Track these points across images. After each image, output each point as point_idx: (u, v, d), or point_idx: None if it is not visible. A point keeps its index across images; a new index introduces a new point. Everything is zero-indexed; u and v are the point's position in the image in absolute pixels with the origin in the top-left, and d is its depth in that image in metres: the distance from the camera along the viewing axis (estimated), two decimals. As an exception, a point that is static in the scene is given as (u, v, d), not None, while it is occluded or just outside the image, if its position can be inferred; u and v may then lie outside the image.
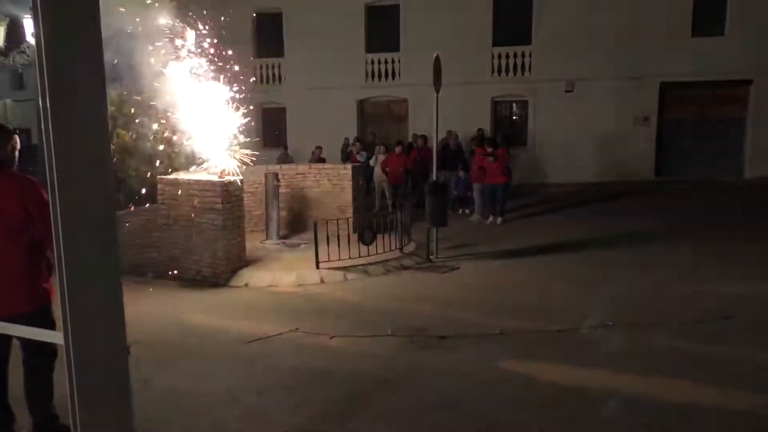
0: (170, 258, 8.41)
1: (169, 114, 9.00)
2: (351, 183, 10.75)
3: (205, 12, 8.59)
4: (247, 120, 8.97)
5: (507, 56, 17.66)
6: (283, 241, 9.86)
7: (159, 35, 8.21)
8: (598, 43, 16.49)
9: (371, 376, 4.68)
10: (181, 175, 8.72)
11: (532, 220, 12.08)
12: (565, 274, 7.86)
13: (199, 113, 8.54)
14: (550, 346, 5.21)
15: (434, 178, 9.31)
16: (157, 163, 9.67)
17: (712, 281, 7.05)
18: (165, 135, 9.80)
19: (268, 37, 19.05)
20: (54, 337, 1.56)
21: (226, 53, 8.92)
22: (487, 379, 4.56)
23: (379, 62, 18.54)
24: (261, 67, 19.22)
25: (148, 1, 7.95)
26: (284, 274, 8.00)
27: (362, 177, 11.64)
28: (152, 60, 8.09)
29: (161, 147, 9.84)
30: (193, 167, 9.21)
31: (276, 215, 9.84)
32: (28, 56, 10.85)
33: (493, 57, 17.71)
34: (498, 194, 11.62)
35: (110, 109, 9.53)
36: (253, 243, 9.25)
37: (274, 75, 19.39)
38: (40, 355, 3.36)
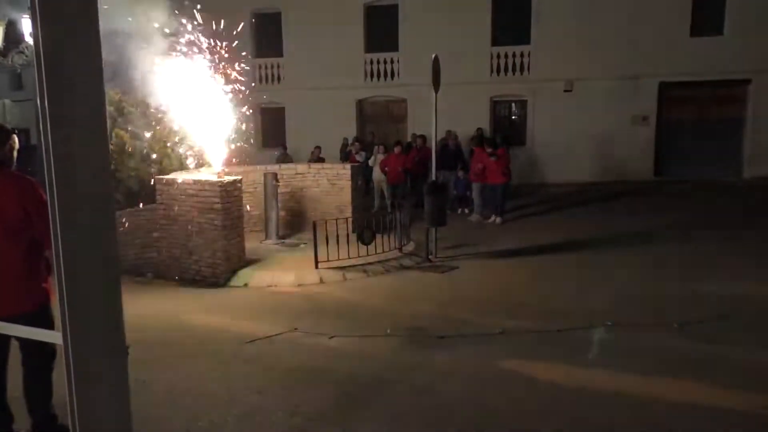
0: (170, 258, 8.42)
1: (167, 114, 9.01)
2: (350, 183, 10.76)
3: (201, 11, 8.57)
4: (245, 120, 8.97)
5: (506, 56, 17.65)
6: (283, 241, 9.86)
7: (157, 34, 8.20)
8: (597, 42, 16.50)
9: (370, 376, 4.68)
10: (180, 175, 8.72)
11: (531, 220, 12.08)
12: (565, 273, 7.86)
13: (197, 113, 8.55)
14: (550, 345, 5.21)
15: (433, 177, 9.31)
16: (158, 163, 9.68)
17: (712, 281, 7.05)
18: (163, 135, 9.81)
19: (267, 36, 19.04)
20: (53, 337, 1.56)
21: (225, 53, 8.92)
22: (486, 379, 4.56)
23: (378, 62, 18.54)
24: (260, 67, 19.21)
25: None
26: (283, 274, 8.00)
27: (361, 177, 11.64)
28: (150, 59, 8.08)
29: (159, 147, 9.85)
30: (192, 166, 9.22)
31: (275, 215, 9.84)
32: (26, 56, 10.84)
33: (492, 57, 17.71)
34: (497, 194, 11.63)
35: (109, 109, 9.53)
36: (252, 243, 9.25)
37: (273, 75, 19.38)
38: (39, 355, 3.35)
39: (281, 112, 19.45)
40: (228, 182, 8.09)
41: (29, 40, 10.51)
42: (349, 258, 8.19)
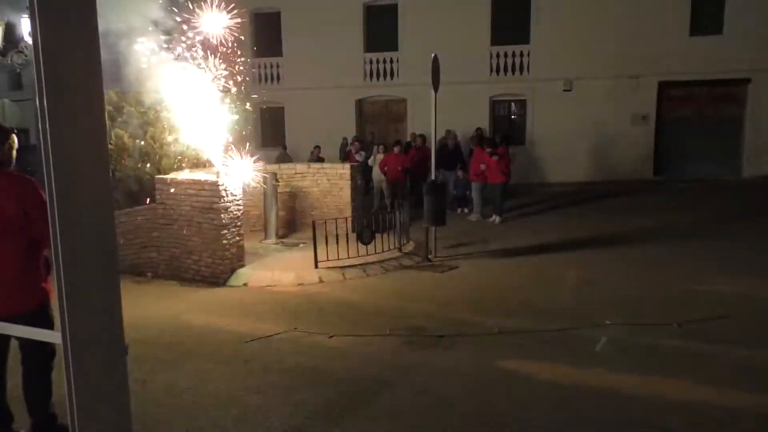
0: (169, 257, 8.42)
1: (166, 113, 9.01)
2: (350, 182, 10.76)
3: (201, 11, 8.56)
4: (247, 119, 8.98)
5: (505, 55, 17.66)
6: (282, 240, 9.86)
7: (156, 33, 8.20)
8: (597, 42, 16.51)
9: (370, 376, 4.68)
10: (180, 175, 8.72)
11: (530, 219, 12.09)
12: (564, 273, 7.86)
13: (196, 112, 8.54)
14: (549, 345, 5.21)
15: (433, 177, 9.31)
16: (157, 162, 9.67)
17: (712, 280, 7.06)
18: (162, 135, 9.80)
19: (266, 36, 19.04)
20: (52, 336, 1.56)
21: (225, 53, 8.91)
22: (486, 379, 4.56)
23: (378, 62, 18.54)
24: (259, 67, 19.21)
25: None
26: (283, 274, 8.00)
27: (361, 176, 11.64)
28: (149, 59, 8.08)
29: (158, 146, 9.84)
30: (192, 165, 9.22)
31: (275, 215, 9.84)
32: (26, 56, 10.83)
33: (491, 56, 17.71)
34: (497, 194, 11.63)
35: (108, 109, 9.53)
36: (251, 242, 9.26)
37: (272, 74, 19.38)
38: (39, 355, 3.36)
39: (281, 111, 19.45)
40: (227, 182, 8.08)
41: (28, 39, 10.50)
42: (349, 257, 8.19)
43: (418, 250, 9.11)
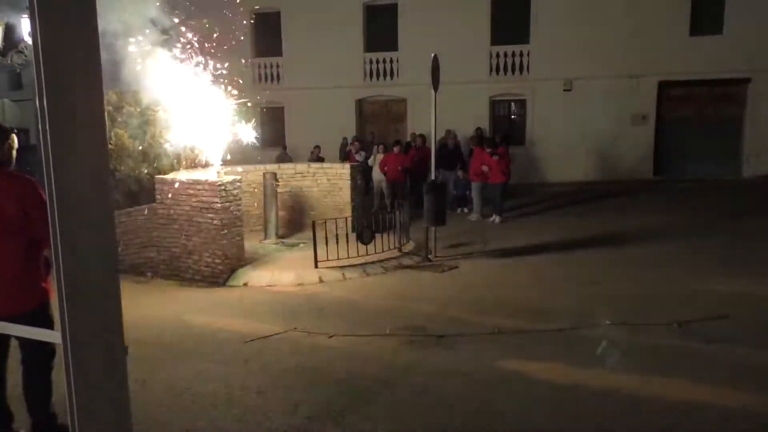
0: (169, 257, 8.42)
1: (166, 113, 9.00)
2: (349, 182, 10.76)
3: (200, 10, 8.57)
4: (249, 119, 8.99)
5: (505, 55, 17.66)
6: (282, 240, 9.86)
7: (155, 33, 8.20)
8: (597, 42, 16.51)
9: (370, 376, 4.68)
10: (180, 175, 8.72)
11: (530, 219, 12.09)
12: (564, 273, 7.86)
13: (196, 112, 8.55)
14: (549, 345, 5.21)
15: (433, 177, 9.32)
16: (157, 162, 9.67)
17: (711, 280, 7.05)
18: (162, 135, 9.80)
19: (266, 36, 19.04)
20: (52, 336, 1.56)
21: (225, 52, 8.92)
22: (485, 379, 4.57)
23: (378, 61, 18.54)
24: (259, 67, 19.21)
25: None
26: (283, 274, 8.00)
27: (361, 176, 11.64)
28: (149, 59, 8.08)
29: (157, 146, 9.84)
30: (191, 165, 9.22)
31: (274, 215, 9.84)
32: (26, 56, 10.83)
33: (491, 56, 17.72)
34: (497, 193, 11.64)
35: (108, 109, 9.53)
36: (251, 242, 9.26)
37: (272, 74, 19.38)
38: (39, 355, 3.36)
39: (280, 111, 19.45)
40: (227, 182, 8.09)
41: (28, 39, 10.51)
42: (349, 257, 8.19)
43: (418, 250, 9.11)
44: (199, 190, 8.04)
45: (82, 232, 1.27)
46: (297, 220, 10.80)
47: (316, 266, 8.03)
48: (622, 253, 8.75)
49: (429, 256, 8.74)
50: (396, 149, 13.06)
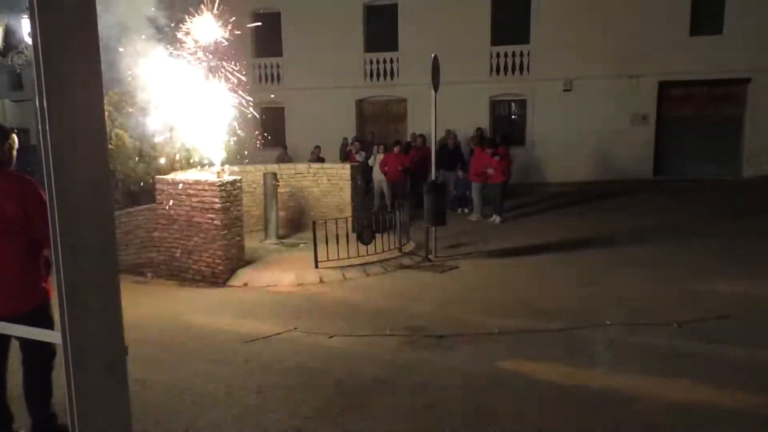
0: (169, 258, 8.42)
1: (167, 113, 9.00)
2: (350, 183, 10.76)
3: (202, 11, 8.57)
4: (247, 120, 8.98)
5: (505, 55, 17.66)
6: (282, 240, 9.86)
7: (155, 33, 8.21)
8: (597, 42, 16.51)
9: (370, 376, 4.68)
10: (180, 175, 8.72)
11: (530, 219, 12.09)
12: (564, 273, 7.86)
13: (196, 112, 8.55)
14: (549, 345, 5.21)
15: (433, 177, 9.32)
16: (157, 162, 9.67)
17: (711, 280, 7.05)
18: (162, 135, 9.80)
19: (266, 36, 19.04)
20: (52, 336, 1.56)
21: (225, 52, 8.92)
22: (486, 379, 4.57)
23: (378, 62, 18.54)
24: (260, 67, 19.21)
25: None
26: (283, 274, 8.00)
27: (361, 176, 11.65)
28: (149, 59, 8.09)
29: (158, 146, 9.85)
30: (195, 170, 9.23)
31: (275, 215, 9.84)
32: (26, 56, 10.84)
33: (491, 56, 17.71)
34: (497, 193, 11.64)
35: (108, 109, 9.53)
36: (252, 243, 9.26)
37: (272, 74, 19.39)
38: (39, 355, 3.36)
39: (281, 111, 19.46)
40: (227, 182, 8.09)
41: (28, 39, 10.52)
42: (349, 258, 8.19)
43: (418, 250, 9.11)
44: (199, 190, 8.04)
45: (82, 233, 1.27)
46: (297, 221, 10.80)
47: (317, 266, 8.03)
48: (622, 253, 8.75)
49: (429, 257, 8.74)
50: (396, 149, 13.06)
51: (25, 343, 3.30)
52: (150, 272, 8.55)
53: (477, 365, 4.81)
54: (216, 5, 8.50)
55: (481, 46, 17.58)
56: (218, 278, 7.93)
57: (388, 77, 18.54)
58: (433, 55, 8.98)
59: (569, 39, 16.60)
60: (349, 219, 9.32)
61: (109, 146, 8.61)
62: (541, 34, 17.20)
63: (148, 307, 6.72)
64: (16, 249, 3.20)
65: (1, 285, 3.17)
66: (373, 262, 8.37)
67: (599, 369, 4.65)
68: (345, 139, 16.24)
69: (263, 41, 19.09)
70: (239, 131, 9.18)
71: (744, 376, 4.42)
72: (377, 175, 13.17)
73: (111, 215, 1.38)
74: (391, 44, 18.37)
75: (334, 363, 4.95)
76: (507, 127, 18.03)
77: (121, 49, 7.68)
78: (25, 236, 3.21)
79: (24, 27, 10.89)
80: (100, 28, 1.26)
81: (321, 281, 7.79)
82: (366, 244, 8.55)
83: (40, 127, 1.21)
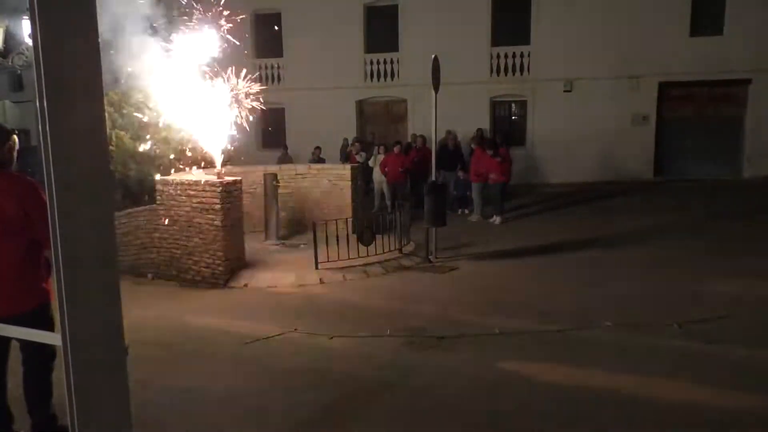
0: (169, 258, 8.42)
1: (167, 114, 9.01)
2: (350, 183, 10.76)
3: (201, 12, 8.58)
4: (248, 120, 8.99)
5: (506, 56, 17.66)
6: (283, 241, 9.86)
7: (156, 34, 8.22)
8: (597, 42, 16.51)
9: (370, 377, 4.68)
10: (180, 176, 8.72)
11: (530, 220, 12.09)
12: (564, 273, 7.86)
13: (197, 113, 8.55)
14: (550, 346, 5.21)
15: (433, 178, 9.31)
16: (157, 163, 9.68)
17: (711, 280, 7.05)
18: (163, 136, 9.82)
19: (267, 37, 19.05)
20: (52, 337, 1.56)
21: (225, 53, 8.93)
22: (486, 380, 4.56)
23: (378, 62, 18.55)
24: (260, 67, 19.20)
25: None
26: (283, 275, 8.00)
27: (361, 177, 11.64)
28: (150, 59, 8.09)
29: (158, 147, 9.85)
30: (195, 169, 9.23)
31: (275, 216, 9.84)
32: (26, 57, 10.85)
33: (491, 57, 17.71)
34: (496, 193, 11.64)
35: (108, 110, 9.54)
36: (252, 244, 9.25)
37: (273, 75, 19.39)
38: (39, 356, 3.36)
39: (281, 112, 19.46)
40: (228, 183, 8.09)
41: (29, 41, 10.52)
42: (349, 258, 8.19)
43: (418, 251, 9.10)
44: (199, 191, 8.04)
45: (83, 233, 1.27)
46: (297, 221, 10.79)
47: (317, 267, 8.03)
48: (623, 254, 8.74)
49: (429, 257, 8.74)
50: (396, 149, 13.06)
51: (25, 344, 3.30)
52: (150, 273, 8.54)
53: (478, 366, 4.81)
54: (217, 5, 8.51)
55: (481, 47, 17.58)
56: (218, 279, 7.93)
57: (389, 78, 18.54)
58: (433, 55, 8.98)
59: (569, 39, 16.60)
60: (350, 220, 9.31)
61: (109, 147, 8.62)
62: (542, 35, 17.20)
63: (148, 308, 6.71)
64: (17, 250, 3.20)
65: (1, 285, 3.17)
66: (373, 263, 8.37)
67: (600, 369, 4.65)
68: (345, 139, 16.25)
69: (264, 42, 19.10)
70: (238, 135, 9.18)
71: (744, 377, 4.42)
72: (377, 176, 13.17)
73: (111, 216, 1.38)
74: (392, 45, 18.37)
75: (334, 364, 4.95)
76: (507, 127, 18.03)
77: (121, 50, 7.68)
78: (26, 237, 3.21)
79: (25, 28, 10.89)
80: (100, 29, 1.26)
81: (321, 282, 7.79)
82: (366, 245, 8.55)
83: (40, 128, 1.22)
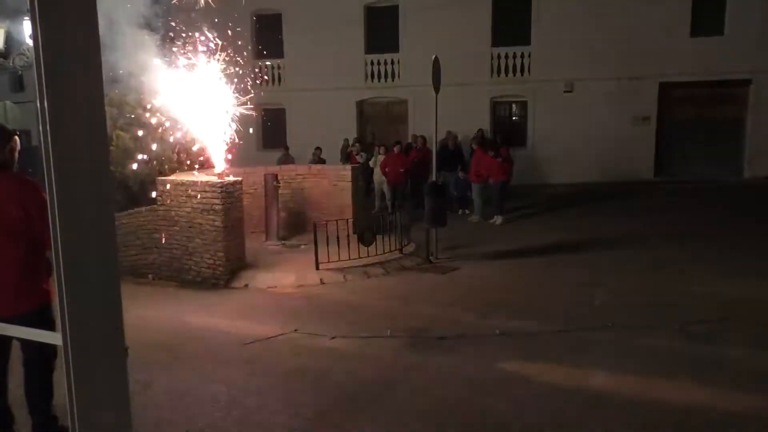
0: (170, 259, 8.42)
1: (168, 114, 9.02)
2: (350, 184, 10.76)
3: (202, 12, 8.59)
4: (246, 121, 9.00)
5: (506, 57, 17.66)
6: (283, 242, 9.86)
7: (157, 35, 8.23)
8: (597, 43, 16.50)
9: (371, 378, 4.68)
10: (181, 176, 8.72)
11: (531, 220, 12.08)
12: (565, 274, 7.86)
13: (198, 113, 8.56)
14: (550, 346, 5.21)
15: (433, 178, 9.31)
16: (158, 163, 9.68)
17: (712, 282, 7.05)
18: (163, 136, 9.82)
19: (267, 38, 19.05)
20: (52, 338, 1.56)
21: (226, 54, 8.93)
22: (486, 380, 4.56)
23: (379, 63, 18.55)
24: (260, 68, 19.21)
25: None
26: (284, 275, 8.00)
27: (362, 178, 11.64)
28: (151, 60, 8.10)
29: (159, 148, 9.86)
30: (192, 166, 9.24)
31: (275, 216, 9.84)
32: (27, 58, 10.86)
33: (492, 58, 17.71)
34: (497, 192, 11.65)
35: (110, 110, 9.54)
36: (252, 244, 9.25)
37: (273, 76, 19.40)
38: (40, 356, 3.36)
39: (282, 113, 19.46)
40: (228, 183, 8.09)
41: (29, 41, 10.53)
42: (350, 259, 8.19)
43: (418, 252, 9.10)
44: (200, 191, 8.04)
45: (83, 234, 1.27)
46: (298, 222, 10.79)
47: (317, 268, 8.03)
48: (623, 255, 8.74)
49: (430, 258, 8.74)
50: (396, 149, 13.06)
51: (26, 344, 3.30)
52: (151, 273, 8.55)
53: (478, 367, 4.81)
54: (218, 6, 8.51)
55: (481, 48, 17.57)
56: (219, 279, 7.93)
57: (389, 78, 18.54)
58: (434, 56, 8.98)
59: (570, 40, 16.59)
60: (350, 220, 9.32)
61: (109, 147, 8.62)
62: (542, 36, 17.19)
63: (148, 309, 6.72)
64: (18, 250, 3.20)
65: (2, 286, 3.17)
66: (373, 264, 8.37)
67: (600, 370, 4.65)
68: (346, 140, 16.25)
69: (264, 43, 19.10)
70: (237, 138, 9.19)
71: (745, 378, 4.41)
72: (378, 177, 13.17)
73: (111, 216, 1.38)
74: (392, 45, 18.37)
75: (334, 364, 4.95)
76: (508, 128, 18.02)
77: (121, 50, 7.69)
78: (27, 237, 3.21)
79: (25, 29, 10.90)
80: (100, 29, 1.27)
81: (322, 282, 7.79)
82: (367, 245, 8.55)
83: (41, 128, 1.22)
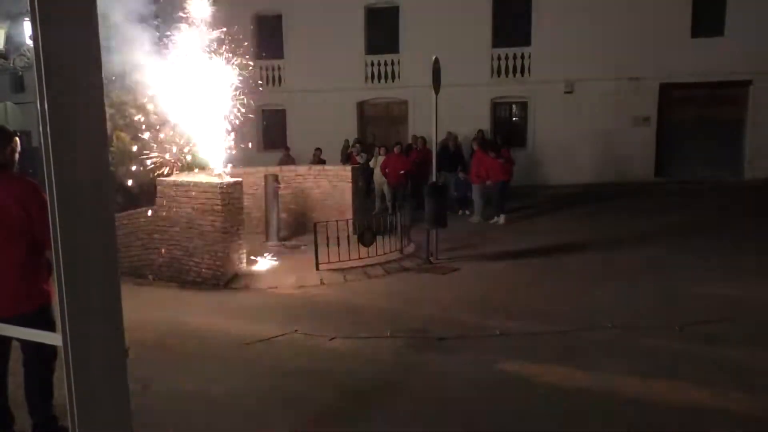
0: (170, 259, 8.42)
1: (168, 115, 9.02)
2: (351, 185, 10.76)
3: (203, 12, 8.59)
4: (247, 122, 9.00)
5: (506, 58, 17.67)
6: (284, 242, 9.86)
7: (157, 35, 8.23)
8: (598, 44, 16.50)
9: (371, 378, 4.68)
10: (181, 177, 8.73)
11: (531, 221, 12.08)
12: (565, 275, 7.86)
13: (198, 114, 8.56)
14: (550, 347, 5.21)
15: (434, 179, 9.31)
16: (158, 164, 9.68)
17: (712, 282, 7.04)
18: (164, 136, 9.82)
19: (268, 39, 19.06)
20: (53, 338, 1.56)
21: (227, 55, 8.94)
22: (486, 381, 4.56)
23: (379, 64, 18.56)
24: (261, 69, 19.22)
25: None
26: (284, 276, 8.00)
27: (362, 178, 11.65)
28: (151, 60, 8.10)
29: (160, 148, 9.86)
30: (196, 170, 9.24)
31: (276, 217, 9.84)
32: (28, 59, 10.86)
33: (492, 58, 17.72)
34: (497, 192, 11.65)
35: (110, 111, 9.55)
36: (253, 245, 9.25)
37: (274, 77, 19.41)
38: (40, 356, 3.36)
39: (282, 114, 19.47)
40: (229, 184, 8.09)
41: (30, 42, 10.53)
42: (350, 260, 8.19)
43: (419, 252, 9.10)
44: (200, 192, 8.04)
45: (83, 234, 1.27)
46: (298, 223, 10.79)
47: (317, 268, 8.03)
48: (623, 255, 8.73)
49: (430, 259, 8.74)
50: (396, 150, 13.06)
51: (26, 345, 3.31)
52: (151, 274, 8.55)
53: (478, 367, 4.81)
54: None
55: (482, 48, 17.59)
56: (219, 280, 7.93)
57: (389, 79, 18.55)
58: (434, 57, 8.99)
59: (570, 41, 16.60)
60: (350, 221, 9.31)
61: (110, 147, 8.62)
62: (542, 36, 17.20)
63: (148, 309, 6.71)
64: (18, 251, 3.20)
65: (2, 286, 3.17)
66: (374, 264, 8.37)
67: (600, 371, 4.64)
68: (346, 141, 16.26)
69: (265, 44, 19.11)
70: (235, 138, 9.19)
71: (745, 379, 4.41)
72: (378, 177, 13.17)
73: (111, 217, 1.38)
74: (392, 46, 18.39)
75: (334, 365, 4.95)
76: (508, 129, 18.03)
77: (121, 50, 7.69)
78: (27, 238, 3.21)
79: (26, 30, 10.91)
80: (100, 29, 1.27)
81: (322, 283, 7.79)
82: (367, 246, 8.55)
83: (41, 129, 1.22)
